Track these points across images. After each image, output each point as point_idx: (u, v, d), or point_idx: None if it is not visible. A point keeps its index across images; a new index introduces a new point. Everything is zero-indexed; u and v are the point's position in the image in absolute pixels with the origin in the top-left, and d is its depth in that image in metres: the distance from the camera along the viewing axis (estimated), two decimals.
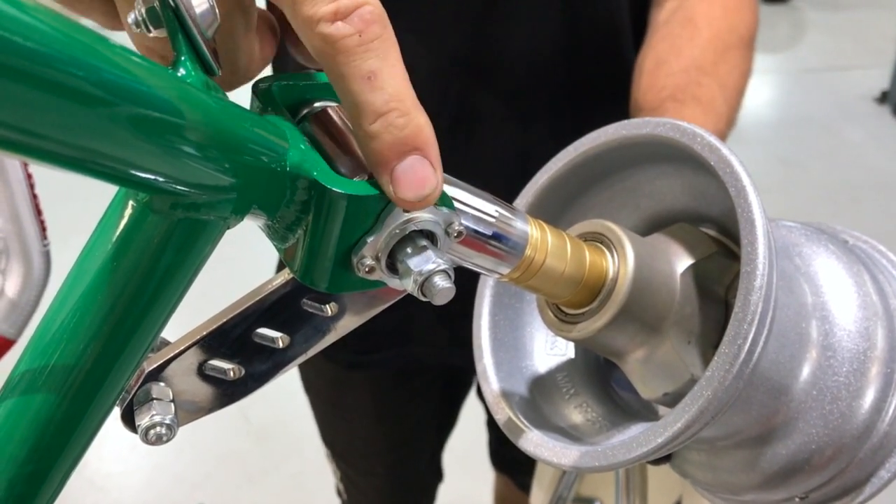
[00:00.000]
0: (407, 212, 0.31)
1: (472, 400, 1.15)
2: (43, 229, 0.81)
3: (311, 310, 0.37)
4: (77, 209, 1.36)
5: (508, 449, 1.20)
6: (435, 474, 1.20)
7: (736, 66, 0.66)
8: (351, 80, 0.28)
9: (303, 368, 1.04)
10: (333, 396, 1.04)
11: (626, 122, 0.43)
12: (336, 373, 0.99)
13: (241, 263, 1.62)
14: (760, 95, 3.53)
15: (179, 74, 0.28)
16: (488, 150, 0.78)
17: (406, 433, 1.09)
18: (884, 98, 3.36)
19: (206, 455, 1.95)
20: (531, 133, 0.77)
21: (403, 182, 0.29)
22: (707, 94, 0.61)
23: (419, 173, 0.29)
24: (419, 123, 0.29)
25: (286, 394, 1.23)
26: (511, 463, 1.21)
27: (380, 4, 0.29)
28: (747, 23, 0.69)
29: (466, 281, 0.48)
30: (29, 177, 0.79)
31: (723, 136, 0.61)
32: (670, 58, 0.65)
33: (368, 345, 0.93)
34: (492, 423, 1.15)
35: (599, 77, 0.78)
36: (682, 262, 0.41)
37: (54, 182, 1.02)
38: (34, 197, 0.80)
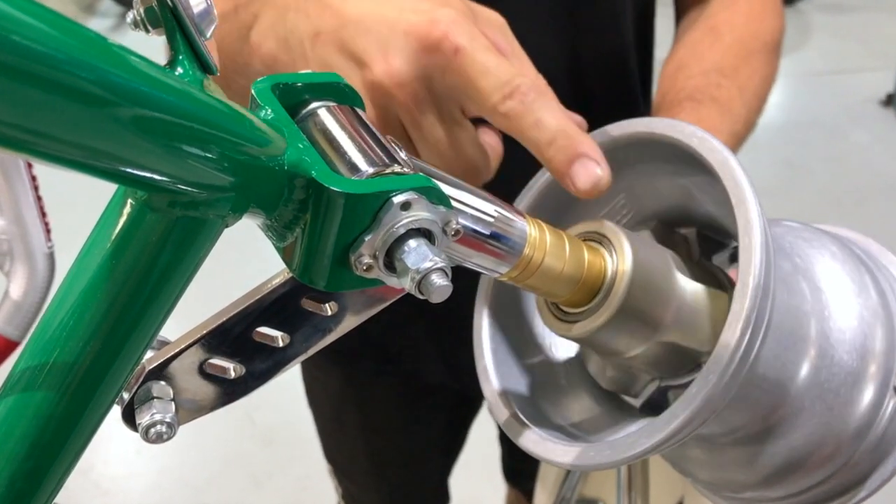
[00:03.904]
0: (405, 211, 0.31)
1: (482, 414, 1.14)
2: (47, 231, 0.81)
3: (310, 308, 0.37)
4: (81, 211, 1.36)
5: (520, 462, 1.19)
6: (442, 497, 1.18)
7: (757, 70, 0.65)
8: (528, 131, 0.41)
9: (307, 382, 1.03)
10: (338, 412, 1.03)
11: (624, 121, 0.43)
12: (341, 388, 0.99)
13: (242, 263, 1.62)
14: None
15: (177, 73, 0.28)
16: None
17: (412, 452, 1.08)
18: (889, 101, 3.35)
19: (211, 458, 1.95)
20: None
21: (577, 180, 0.40)
22: (725, 95, 0.61)
23: (588, 170, 0.40)
24: (580, 140, 0.40)
25: (292, 396, 1.22)
26: (523, 476, 1.20)
27: (531, 75, 0.44)
28: (771, 28, 0.68)
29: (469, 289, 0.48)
30: (33, 178, 0.80)
31: (739, 138, 0.60)
32: (691, 62, 0.65)
33: (376, 358, 0.92)
34: (503, 437, 1.13)
35: (604, 94, 0.77)
36: (681, 260, 0.41)
37: (59, 184, 1.03)
38: (38, 199, 0.80)
